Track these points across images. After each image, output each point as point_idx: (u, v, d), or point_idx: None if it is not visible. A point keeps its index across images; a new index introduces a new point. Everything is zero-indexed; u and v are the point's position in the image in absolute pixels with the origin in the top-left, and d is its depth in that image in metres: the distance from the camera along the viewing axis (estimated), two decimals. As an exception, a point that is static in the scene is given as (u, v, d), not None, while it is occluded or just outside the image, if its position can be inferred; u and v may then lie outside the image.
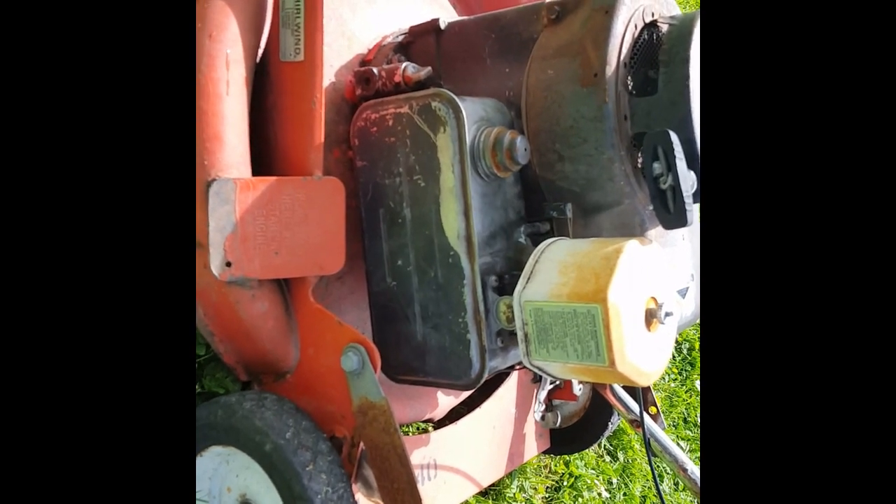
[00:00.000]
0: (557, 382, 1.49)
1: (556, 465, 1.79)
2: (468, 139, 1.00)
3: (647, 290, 0.91)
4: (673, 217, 0.93)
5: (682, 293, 1.11)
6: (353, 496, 0.98)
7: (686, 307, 1.13)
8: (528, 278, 0.95)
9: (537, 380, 1.45)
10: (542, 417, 1.52)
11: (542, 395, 1.40)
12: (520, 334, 0.95)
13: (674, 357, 2.28)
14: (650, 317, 0.91)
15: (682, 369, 2.29)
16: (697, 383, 2.29)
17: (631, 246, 0.90)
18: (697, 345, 2.33)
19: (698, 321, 2.33)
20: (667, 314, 0.91)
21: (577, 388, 1.47)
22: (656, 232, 1.06)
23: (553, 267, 0.93)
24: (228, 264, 0.96)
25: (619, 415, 1.54)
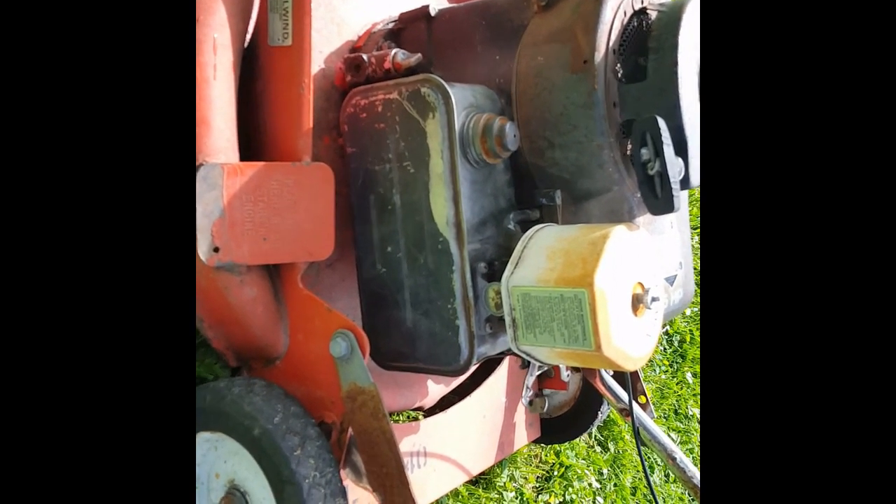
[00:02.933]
0: (546, 368, 1.49)
1: (546, 455, 1.79)
2: (457, 125, 1.00)
3: (634, 276, 0.92)
4: (660, 203, 0.94)
5: (671, 281, 1.12)
6: (341, 481, 0.98)
7: (674, 295, 1.13)
8: (516, 264, 0.95)
9: (525, 365, 1.46)
10: (531, 403, 1.52)
11: (531, 380, 1.41)
12: (507, 319, 0.95)
13: (665, 349, 2.29)
14: (637, 302, 0.91)
15: (672, 361, 2.30)
16: (688, 375, 2.30)
17: (618, 231, 0.91)
18: (689, 337, 2.34)
19: (688, 309, 2.33)
20: (653, 299, 0.92)
21: (566, 375, 1.48)
22: (645, 219, 1.06)
23: (541, 252, 0.93)
24: (216, 250, 0.96)
25: (608, 404, 1.55)
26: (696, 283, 1.23)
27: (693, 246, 2.38)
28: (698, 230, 2.39)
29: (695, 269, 2.33)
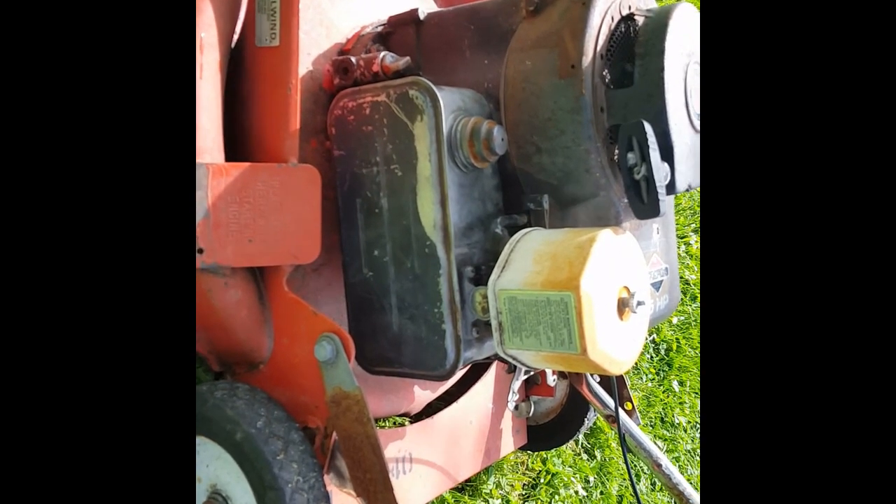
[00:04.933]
0: (532, 373, 1.49)
1: (533, 463, 1.79)
2: (445, 128, 1.00)
3: (620, 280, 0.92)
4: (646, 207, 0.94)
5: (656, 286, 1.12)
6: (324, 486, 0.97)
7: (660, 300, 1.13)
8: (503, 267, 0.95)
9: (512, 370, 1.45)
10: (517, 407, 1.52)
11: (517, 385, 1.41)
12: (494, 323, 0.94)
13: (651, 357, 2.30)
14: (622, 306, 0.91)
15: (659, 370, 2.30)
16: (675, 384, 2.31)
17: (604, 235, 0.91)
18: (675, 345, 2.35)
19: (674, 317, 2.33)
20: (639, 303, 0.92)
21: (552, 380, 1.47)
22: (631, 224, 1.06)
23: (528, 256, 0.93)
24: (200, 251, 0.95)
25: (595, 411, 1.55)
26: (694, 288, 1.23)
27: (692, 252, 2.39)
28: (694, 236, 2.41)
29: (694, 275, 2.35)
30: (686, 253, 2.40)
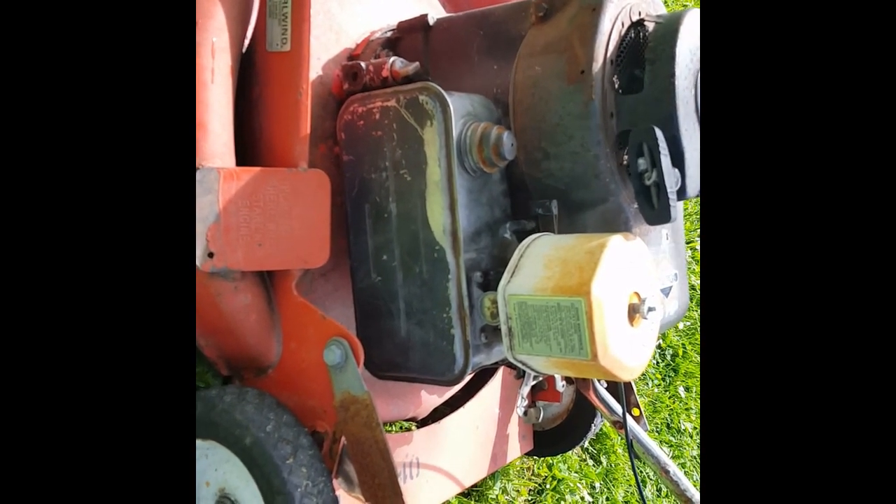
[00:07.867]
0: (540, 378, 1.49)
1: (539, 468, 1.78)
2: (455, 133, 1.00)
3: (631, 285, 0.91)
4: (656, 213, 0.94)
5: (666, 292, 1.12)
6: (333, 491, 0.97)
7: (669, 306, 1.13)
8: (513, 272, 0.95)
9: (520, 375, 1.45)
10: (525, 413, 1.52)
11: (525, 390, 1.41)
12: (504, 328, 0.94)
13: (657, 363, 2.29)
14: (633, 311, 0.91)
15: (665, 375, 2.30)
16: (681, 389, 2.30)
17: (615, 241, 0.91)
18: (681, 351, 2.34)
19: (680, 323, 2.33)
20: (650, 309, 0.91)
21: (560, 385, 1.47)
22: (641, 230, 1.06)
23: (538, 261, 0.93)
24: (210, 255, 0.95)
25: (601, 417, 1.54)
26: (698, 293, 1.23)
27: (699, 257, 2.39)
28: (696, 242, 2.41)
29: (699, 280, 2.34)
30: (693, 258, 2.40)
